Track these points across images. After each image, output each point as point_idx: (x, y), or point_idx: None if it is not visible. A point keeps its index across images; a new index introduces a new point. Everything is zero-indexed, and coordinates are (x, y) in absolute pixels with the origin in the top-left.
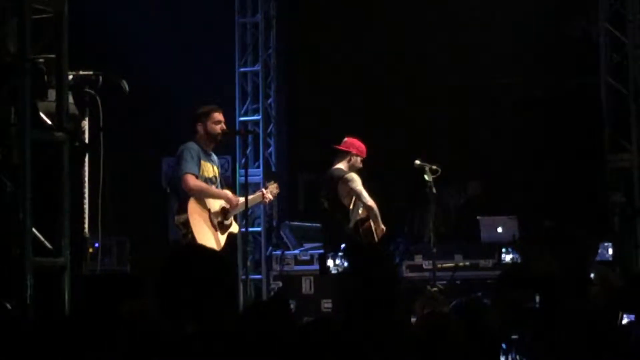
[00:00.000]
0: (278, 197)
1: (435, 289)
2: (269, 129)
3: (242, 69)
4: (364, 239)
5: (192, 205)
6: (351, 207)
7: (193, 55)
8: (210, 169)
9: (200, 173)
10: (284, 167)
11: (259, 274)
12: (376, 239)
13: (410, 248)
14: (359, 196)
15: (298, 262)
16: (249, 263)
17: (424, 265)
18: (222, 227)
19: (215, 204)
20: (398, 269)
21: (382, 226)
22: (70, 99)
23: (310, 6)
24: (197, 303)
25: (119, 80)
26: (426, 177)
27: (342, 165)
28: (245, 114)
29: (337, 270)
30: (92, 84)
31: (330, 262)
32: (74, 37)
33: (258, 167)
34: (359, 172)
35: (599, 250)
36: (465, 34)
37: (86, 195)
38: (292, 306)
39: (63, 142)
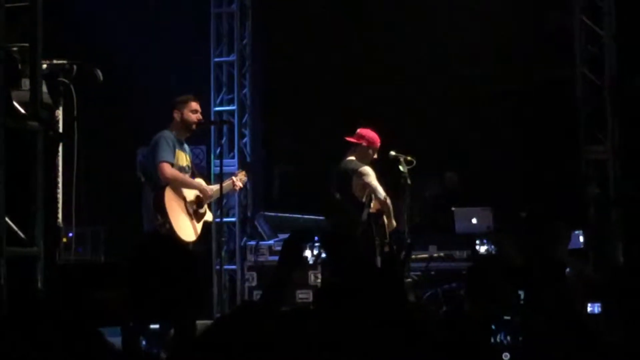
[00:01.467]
0: (253, 187)
1: (409, 279)
2: (244, 119)
3: (217, 59)
4: (375, 234)
5: (169, 195)
6: (364, 200)
7: (168, 46)
8: (184, 158)
9: (175, 162)
10: (258, 158)
11: (234, 264)
12: (387, 234)
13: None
14: (374, 191)
15: (272, 252)
16: (223, 253)
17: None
18: (197, 216)
19: (190, 193)
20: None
21: (394, 222)
22: (44, 88)
23: None
24: (163, 294)
25: (92, 69)
26: (401, 168)
27: (353, 158)
28: (221, 104)
29: (314, 260)
30: (66, 73)
31: (307, 253)
32: (48, 26)
33: (233, 157)
34: (372, 163)
35: (571, 240)
36: (441, 25)
37: (60, 184)
38: None
39: (37, 131)
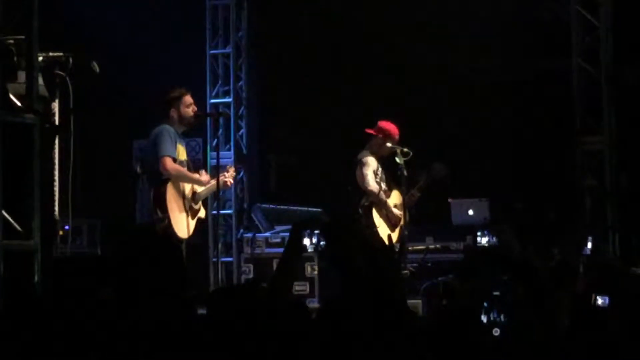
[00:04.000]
0: (249, 179)
1: (406, 271)
2: (240, 112)
3: (213, 51)
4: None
5: (170, 190)
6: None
7: (164, 38)
8: (183, 152)
9: (176, 156)
10: (255, 150)
11: (230, 256)
12: (384, 225)
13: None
14: (363, 180)
15: (269, 244)
16: (220, 246)
17: (394, 248)
18: (192, 212)
19: (187, 188)
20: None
21: (396, 212)
22: (40, 81)
23: None
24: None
25: (89, 61)
26: (397, 159)
27: (366, 149)
28: (216, 96)
29: (314, 248)
30: (62, 65)
31: (307, 241)
32: (44, 18)
33: (229, 149)
34: (385, 157)
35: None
36: (436, 18)
37: (56, 177)
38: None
39: (33, 124)
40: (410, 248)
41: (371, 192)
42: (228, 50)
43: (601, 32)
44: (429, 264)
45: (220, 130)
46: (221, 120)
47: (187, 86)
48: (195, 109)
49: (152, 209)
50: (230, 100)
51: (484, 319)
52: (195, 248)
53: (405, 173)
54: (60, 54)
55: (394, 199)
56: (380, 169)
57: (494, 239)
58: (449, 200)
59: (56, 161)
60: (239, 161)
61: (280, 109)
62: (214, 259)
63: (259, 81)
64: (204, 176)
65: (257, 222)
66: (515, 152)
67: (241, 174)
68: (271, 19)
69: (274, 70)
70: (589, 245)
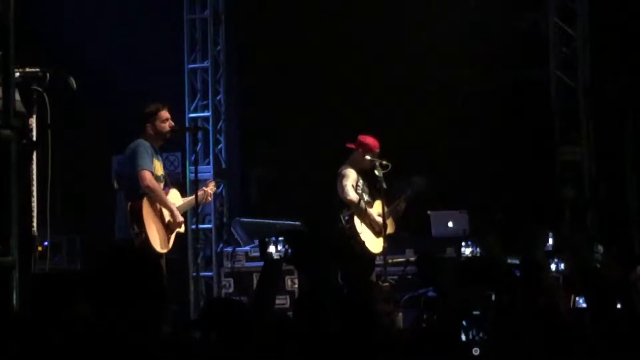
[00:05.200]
0: (229, 193)
1: (386, 283)
2: (219, 126)
3: (191, 66)
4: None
5: (146, 204)
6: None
7: (142, 52)
8: (159, 167)
9: (153, 170)
10: (234, 164)
11: (210, 271)
12: (368, 233)
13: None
14: (342, 191)
15: (249, 258)
16: (199, 260)
17: (375, 260)
18: (171, 227)
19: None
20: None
21: (380, 220)
22: (17, 97)
23: (259, 0)
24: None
25: (66, 77)
26: (377, 172)
27: (347, 163)
28: (195, 111)
29: (279, 256)
30: (39, 81)
31: (272, 248)
32: (20, 34)
33: (208, 163)
34: (367, 170)
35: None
36: (415, 28)
37: (34, 193)
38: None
39: (10, 139)
40: (390, 260)
41: (351, 202)
42: (206, 64)
43: (578, 43)
44: (409, 277)
45: (199, 145)
46: (200, 135)
47: (166, 101)
48: (172, 124)
49: (129, 223)
50: (209, 114)
51: (463, 337)
52: (174, 263)
53: (384, 185)
54: (37, 69)
55: (377, 208)
56: (361, 180)
57: (478, 250)
58: (429, 212)
59: (34, 177)
60: (218, 175)
61: (260, 123)
62: (194, 274)
63: (237, 95)
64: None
65: (237, 236)
66: (495, 162)
67: (221, 188)
68: (249, 33)
69: (252, 84)
70: (550, 242)
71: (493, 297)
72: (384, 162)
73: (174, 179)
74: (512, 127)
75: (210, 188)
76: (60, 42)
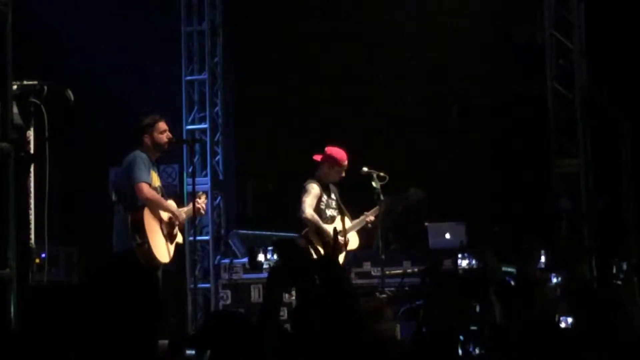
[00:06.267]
0: (226, 205)
1: (383, 295)
2: (216, 137)
3: (188, 78)
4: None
5: (147, 215)
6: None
7: (139, 65)
8: (156, 179)
9: (151, 182)
10: (231, 176)
11: (208, 282)
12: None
13: (358, 255)
14: (299, 207)
15: (246, 270)
16: (197, 272)
17: (372, 272)
18: (171, 238)
19: (165, 214)
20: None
21: (329, 238)
22: (15, 109)
23: (257, 13)
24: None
25: (64, 89)
26: (374, 184)
27: (313, 176)
28: (192, 122)
29: (269, 264)
30: (37, 93)
31: (261, 257)
32: (18, 46)
33: (205, 175)
34: (336, 182)
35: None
36: (411, 41)
37: (32, 205)
38: None
39: (8, 152)
40: (387, 272)
41: (305, 219)
42: (204, 76)
43: (575, 54)
44: (406, 288)
45: (197, 157)
46: (197, 147)
47: (163, 112)
48: (170, 135)
49: (130, 234)
50: (206, 126)
51: (460, 351)
52: (172, 274)
53: (381, 197)
54: (35, 82)
55: (338, 224)
56: (325, 195)
57: (474, 262)
58: (426, 224)
59: (31, 189)
60: (215, 187)
61: (257, 135)
62: (192, 285)
63: (234, 107)
64: (173, 206)
65: (234, 248)
66: (492, 174)
67: (218, 199)
68: (247, 45)
69: (249, 96)
70: (542, 259)
71: (489, 310)
72: (382, 174)
73: (171, 191)
74: (509, 138)
75: (203, 201)
76: (57, 54)
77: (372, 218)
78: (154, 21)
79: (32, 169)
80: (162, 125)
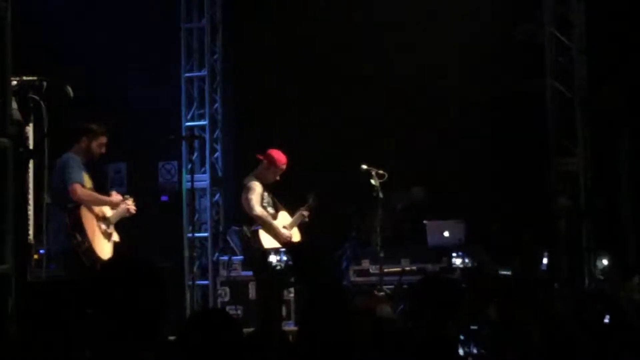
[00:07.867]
0: (225, 202)
1: (382, 293)
2: (216, 134)
3: (188, 74)
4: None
5: (85, 213)
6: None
7: (139, 61)
8: (88, 181)
9: (84, 183)
10: (230, 172)
11: (206, 279)
12: (275, 244)
13: (358, 253)
14: (247, 205)
15: (245, 267)
16: (195, 269)
17: (371, 270)
18: (107, 235)
19: (99, 212)
20: (345, 274)
21: (285, 232)
22: (14, 105)
23: (257, 10)
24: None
25: (63, 85)
26: (373, 181)
27: (252, 174)
28: (192, 119)
29: (280, 266)
30: (36, 89)
31: (272, 258)
32: (17, 42)
33: (204, 172)
34: (269, 184)
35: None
36: (410, 38)
37: (30, 201)
38: (238, 312)
39: (7, 148)
40: (386, 270)
41: (256, 217)
42: (203, 73)
43: (575, 53)
44: (405, 286)
45: (196, 154)
46: (196, 144)
47: (163, 109)
48: (104, 152)
49: (70, 233)
50: (205, 123)
51: (460, 351)
52: (170, 271)
53: (380, 195)
54: (34, 78)
55: (282, 220)
56: (265, 193)
57: (468, 261)
58: (425, 221)
59: (30, 185)
60: (214, 184)
61: (256, 131)
62: (190, 282)
63: (234, 104)
64: (114, 196)
65: (232, 245)
66: (491, 173)
67: (217, 196)
68: (246, 42)
69: (249, 93)
70: (545, 260)
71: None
72: (381, 172)
73: (170, 188)
74: (509, 137)
75: (131, 201)
76: (56, 50)
77: (307, 213)
78: (154, 17)
79: (31, 165)
80: (103, 139)
